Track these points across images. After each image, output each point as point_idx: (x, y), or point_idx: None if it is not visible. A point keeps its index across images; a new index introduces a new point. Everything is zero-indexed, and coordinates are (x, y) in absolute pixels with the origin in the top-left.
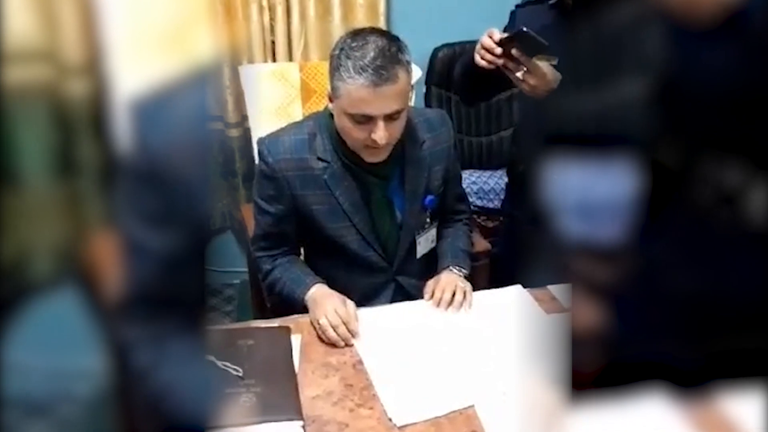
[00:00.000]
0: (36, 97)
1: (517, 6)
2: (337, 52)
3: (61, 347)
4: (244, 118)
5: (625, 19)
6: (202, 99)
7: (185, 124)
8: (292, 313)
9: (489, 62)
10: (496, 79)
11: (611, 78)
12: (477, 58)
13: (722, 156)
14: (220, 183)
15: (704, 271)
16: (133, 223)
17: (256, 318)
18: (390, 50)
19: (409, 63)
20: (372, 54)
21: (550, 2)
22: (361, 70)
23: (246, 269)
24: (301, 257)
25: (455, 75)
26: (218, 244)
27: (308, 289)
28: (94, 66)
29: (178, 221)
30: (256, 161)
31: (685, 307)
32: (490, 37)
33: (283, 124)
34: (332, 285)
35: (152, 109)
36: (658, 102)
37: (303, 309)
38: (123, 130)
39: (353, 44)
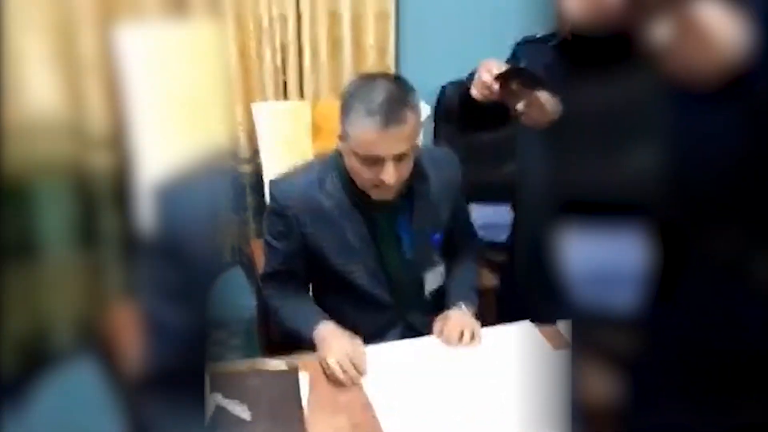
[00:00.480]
0: (59, 170)
1: (518, 43)
2: (347, 95)
3: (80, 418)
4: (255, 153)
5: (630, 83)
6: (220, 181)
7: (204, 205)
8: (300, 350)
9: (486, 96)
10: (494, 110)
11: (619, 145)
12: (474, 90)
13: (731, 223)
14: (230, 217)
15: (719, 337)
16: (152, 299)
17: (262, 353)
18: (398, 94)
19: (417, 106)
20: (381, 98)
21: (551, 43)
22: (370, 113)
23: (254, 303)
24: (309, 294)
25: (453, 105)
26: (227, 278)
27: (316, 327)
28: (118, 140)
29: (195, 298)
30: (267, 199)
31: (702, 375)
32: (488, 72)
33: (294, 160)
34: (340, 322)
35: (175, 191)
36: (666, 169)
37: (311, 346)
38: (146, 210)
39: (363, 88)
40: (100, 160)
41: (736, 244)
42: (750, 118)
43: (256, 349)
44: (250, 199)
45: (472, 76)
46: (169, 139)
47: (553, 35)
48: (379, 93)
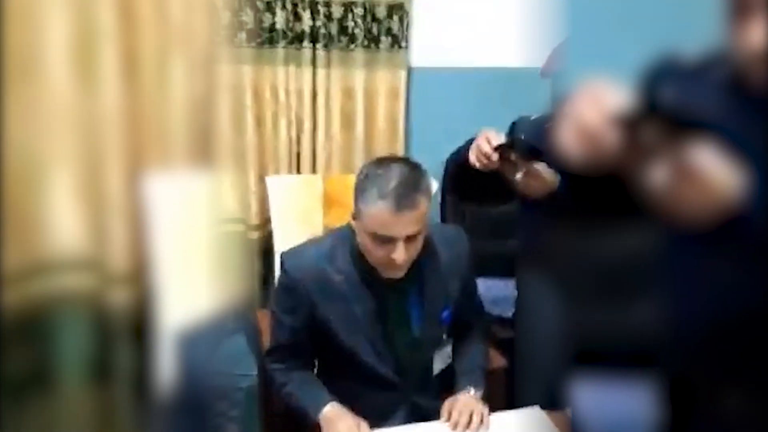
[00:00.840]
0: (78, 304)
1: (514, 122)
2: (362, 177)
3: None
4: (266, 221)
5: (630, 234)
6: (236, 334)
7: (221, 355)
8: (305, 429)
9: (485, 165)
10: (490, 177)
11: (623, 297)
12: (472, 158)
13: (732, 375)
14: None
15: None
16: None
17: (263, 424)
18: (411, 178)
19: (428, 189)
20: (395, 182)
21: (547, 125)
22: (384, 196)
23: (255, 373)
24: (315, 370)
25: (446, 169)
26: (228, 347)
27: (322, 408)
28: (139, 277)
29: None
30: (276, 269)
31: None
32: (488, 142)
33: (306, 233)
34: (346, 402)
35: (194, 341)
36: (668, 320)
37: (316, 427)
38: (167, 354)
39: (378, 171)
40: (120, 297)
41: (745, 398)
42: (747, 260)
43: (255, 421)
44: (257, 267)
45: (470, 143)
46: (189, 284)
47: (547, 117)
48: (393, 177)
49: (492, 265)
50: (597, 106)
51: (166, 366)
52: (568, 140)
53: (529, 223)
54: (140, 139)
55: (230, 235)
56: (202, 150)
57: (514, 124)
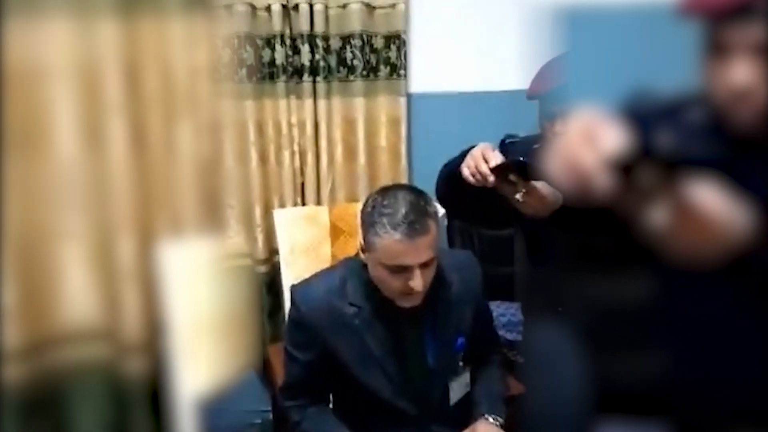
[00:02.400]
0: (94, 373)
1: (502, 141)
2: (369, 209)
3: None
4: (272, 253)
5: (635, 281)
6: (251, 396)
7: (238, 419)
8: None
9: (481, 183)
10: (483, 192)
11: (630, 348)
12: (465, 172)
13: (742, 417)
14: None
15: None
16: None
17: None
18: (419, 204)
19: (436, 213)
20: (404, 210)
21: (535, 146)
22: (396, 226)
23: (269, 409)
24: (330, 404)
25: (438, 178)
26: (241, 383)
27: None
28: (152, 346)
29: None
30: (286, 304)
31: None
32: (485, 162)
33: (313, 264)
34: None
35: (214, 407)
36: (676, 363)
37: None
38: (186, 422)
39: (385, 202)
40: (135, 365)
41: None
42: (755, 298)
43: None
44: (265, 301)
45: (463, 156)
46: (206, 349)
47: (536, 137)
48: (401, 206)
49: (502, 289)
50: (591, 147)
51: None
52: (559, 175)
53: (531, 261)
54: (150, 207)
55: (248, 295)
56: (212, 212)
57: (503, 142)
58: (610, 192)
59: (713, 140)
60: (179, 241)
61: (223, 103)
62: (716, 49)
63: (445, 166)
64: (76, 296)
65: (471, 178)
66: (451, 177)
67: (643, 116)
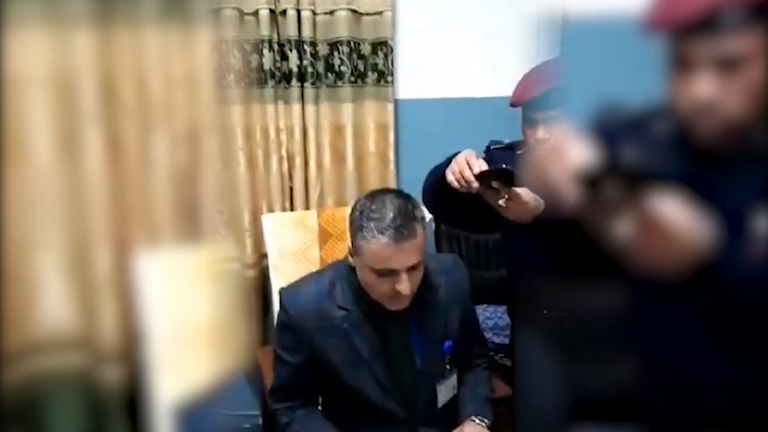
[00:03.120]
0: (70, 382)
1: (487, 147)
2: (357, 214)
3: None
4: (261, 258)
5: (602, 303)
6: (240, 400)
7: (215, 428)
8: None
9: (465, 189)
10: (468, 197)
11: (602, 355)
12: (450, 177)
13: (721, 429)
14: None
15: None
16: None
17: None
18: (407, 209)
19: (423, 218)
20: (391, 215)
21: (519, 152)
22: (383, 230)
23: (258, 413)
24: (319, 408)
25: (425, 183)
26: (230, 387)
27: None
28: (129, 354)
29: None
30: (275, 308)
31: None
32: (469, 168)
33: (302, 268)
34: None
35: (191, 417)
36: (645, 370)
37: None
38: (163, 429)
39: (372, 206)
40: (111, 374)
41: None
42: (717, 310)
43: None
44: (254, 305)
45: (449, 161)
46: (184, 357)
47: (520, 143)
48: (389, 210)
49: (489, 292)
50: (560, 161)
51: None
52: (534, 190)
53: (515, 255)
54: (126, 216)
55: (227, 303)
56: (189, 222)
57: (488, 148)
58: (577, 204)
59: (677, 153)
60: (156, 250)
61: (205, 110)
62: (680, 62)
63: (431, 172)
64: (53, 305)
65: (456, 184)
66: (437, 183)
67: (611, 129)
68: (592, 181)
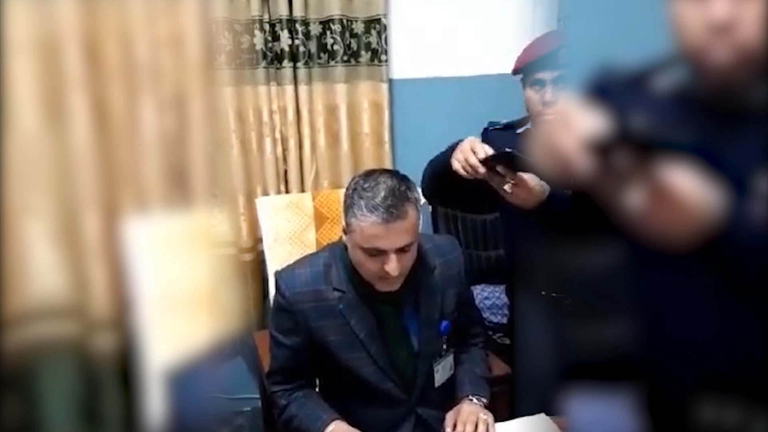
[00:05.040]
0: (62, 351)
1: (485, 129)
2: (350, 191)
3: None
4: (257, 242)
5: (604, 258)
6: (219, 369)
7: (210, 391)
8: None
9: (471, 175)
10: (473, 183)
11: (604, 315)
12: (456, 165)
13: (720, 393)
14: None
15: None
16: None
17: None
18: (399, 189)
19: (417, 200)
20: (383, 194)
21: (518, 131)
22: (373, 209)
23: (257, 396)
24: (317, 390)
25: (424, 174)
26: (229, 371)
27: (326, 427)
28: (121, 322)
29: None
30: (272, 291)
31: None
32: (474, 154)
33: (297, 251)
34: (349, 419)
35: (182, 381)
36: (647, 335)
37: None
38: (154, 395)
39: (365, 185)
40: (104, 342)
41: (732, 414)
42: (724, 278)
43: None
44: (251, 289)
45: (452, 148)
46: (174, 324)
47: (519, 122)
48: (381, 189)
49: (487, 272)
50: (570, 131)
51: (155, 408)
52: (543, 162)
53: (514, 236)
54: (114, 182)
55: (218, 268)
56: (178, 187)
57: (485, 130)
58: (589, 175)
59: (681, 110)
60: (145, 216)
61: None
62: None
63: (430, 162)
64: (43, 274)
65: (462, 171)
66: (439, 172)
67: (610, 89)
68: (602, 150)
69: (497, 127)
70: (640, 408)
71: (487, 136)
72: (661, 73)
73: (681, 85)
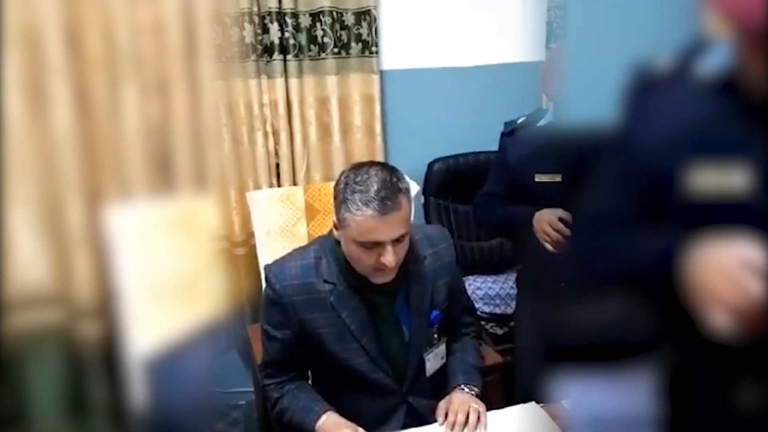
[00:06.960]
0: (48, 339)
1: (503, 134)
2: (341, 186)
3: None
4: (249, 236)
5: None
6: (210, 355)
7: (195, 378)
8: None
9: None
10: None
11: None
12: (549, 248)
13: (743, 365)
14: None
15: None
16: None
17: None
18: (391, 181)
19: (408, 190)
20: (376, 186)
21: (539, 124)
22: (367, 202)
23: (251, 389)
24: (309, 381)
25: (482, 217)
26: (223, 364)
27: (318, 418)
28: (106, 310)
29: None
30: (263, 285)
31: None
32: (558, 230)
33: (289, 244)
34: (342, 409)
35: (166, 367)
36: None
37: None
38: (138, 382)
39: (357, 179)
40: (88, 329)
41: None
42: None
43: None
44: (244, 283)
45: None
46: (159, 311)
47: (535, 114)
48: (374, 182)
49: (479, 262)
50: (741, 290)
51: (139, 394)
52: (720, 323)
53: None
54: (98, 170)
55: (202, 255)
56: (161, 174)
57: (502, 135)
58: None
59: (724, 101)
60: (128, 203)
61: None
62: None
63: (493, 209)
64: (27, 262)
65: (550, 247)
66: (506, 226)
67: (654, 89)
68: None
69: (515, 127)
70: (658, 390)
71: (502, 143)
72: (699, 59)
73: (727, 70)
